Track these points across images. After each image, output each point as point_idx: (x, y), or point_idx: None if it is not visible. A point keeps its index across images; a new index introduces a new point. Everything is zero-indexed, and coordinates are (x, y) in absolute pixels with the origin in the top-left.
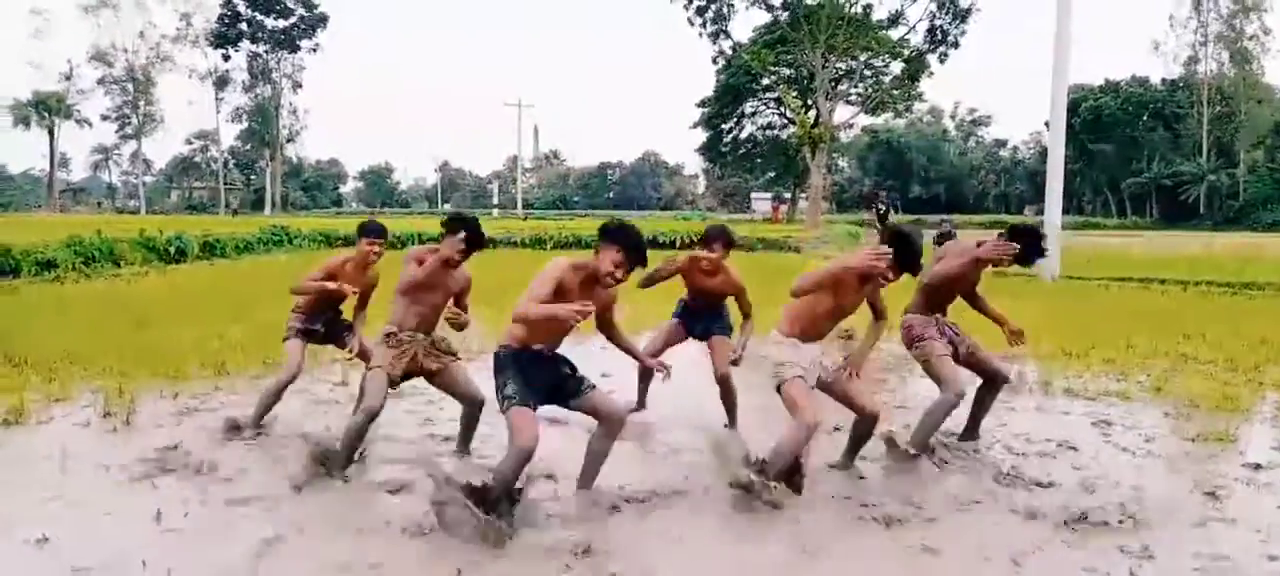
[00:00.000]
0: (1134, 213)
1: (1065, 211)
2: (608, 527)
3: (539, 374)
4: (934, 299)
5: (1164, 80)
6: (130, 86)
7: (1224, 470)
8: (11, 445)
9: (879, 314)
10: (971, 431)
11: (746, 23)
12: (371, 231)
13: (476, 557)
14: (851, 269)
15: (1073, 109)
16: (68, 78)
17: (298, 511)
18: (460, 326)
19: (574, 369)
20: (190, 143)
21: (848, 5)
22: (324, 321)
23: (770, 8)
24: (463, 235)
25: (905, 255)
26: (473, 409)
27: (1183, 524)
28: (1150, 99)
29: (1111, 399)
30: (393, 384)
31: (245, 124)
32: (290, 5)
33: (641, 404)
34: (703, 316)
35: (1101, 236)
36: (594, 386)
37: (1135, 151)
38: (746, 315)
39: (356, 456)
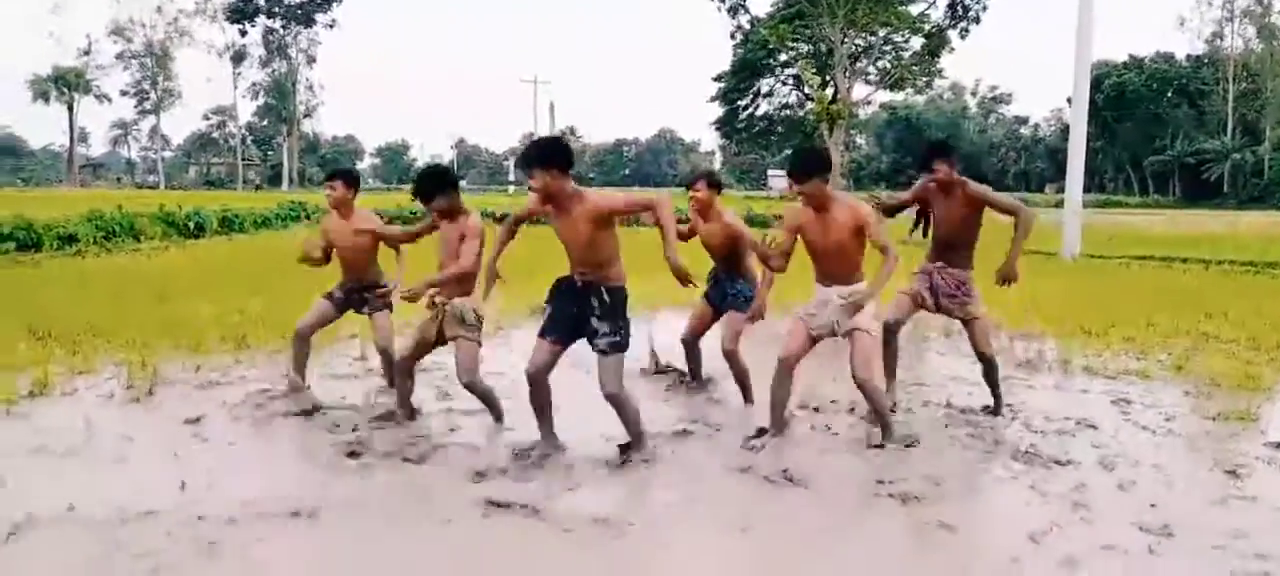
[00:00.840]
0: (1156, 191)
1: (1087, 189)
2: (627, 499)
3: (566, 304)
4: (934, 247)
5: (1189, 56)
6: (149, 61)
7: (1245, 449)
8: (37, 416)
9: (882, 249)
10: (995, 406)
11: None
12: (329, 176)
13: (496, 526)
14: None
15: (1095, 85)
16: (87, 53)
17: (327, 479)
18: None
19: (602, 314)
20: (208, 118)
21: None
22: (343, 289)
23: None
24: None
25: (794, 156)
26: (469, 391)
27: (1203, 502)
28: (1174, 75)
29: (1131, 377)
30: (437, 341)
31: (262, 100)
32: None
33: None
34: (722, 283)
35: (1123, 214)
36: (606, 350)
37: (1158, 129)
38: (741, 270)
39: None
